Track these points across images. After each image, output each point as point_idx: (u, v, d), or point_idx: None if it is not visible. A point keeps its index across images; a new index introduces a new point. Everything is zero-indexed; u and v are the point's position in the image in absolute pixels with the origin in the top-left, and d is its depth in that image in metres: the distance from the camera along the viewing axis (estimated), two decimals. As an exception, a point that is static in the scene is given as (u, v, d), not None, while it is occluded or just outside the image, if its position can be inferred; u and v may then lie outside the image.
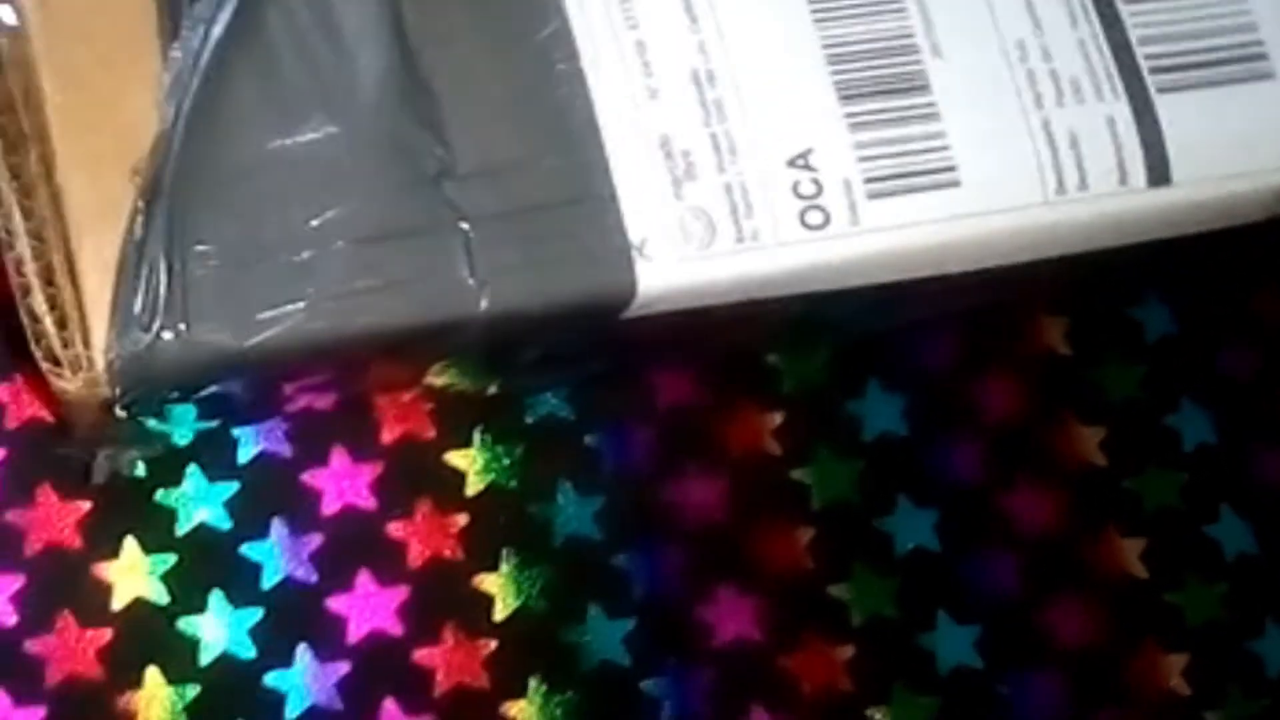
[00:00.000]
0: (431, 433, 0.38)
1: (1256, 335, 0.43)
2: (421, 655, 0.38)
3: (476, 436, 0.39)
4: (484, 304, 0.28)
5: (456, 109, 0.28)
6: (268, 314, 0.27)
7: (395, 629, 0.37)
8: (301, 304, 0.27)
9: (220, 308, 0.27)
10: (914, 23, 0.31)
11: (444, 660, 0.38)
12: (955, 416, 0.41)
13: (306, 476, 0.38)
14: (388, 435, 0.38)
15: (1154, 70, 0.32)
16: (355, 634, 0.37)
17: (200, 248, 0.27)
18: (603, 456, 0.39)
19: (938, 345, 0.41)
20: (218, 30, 0.27)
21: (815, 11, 0.30)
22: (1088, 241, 0.32)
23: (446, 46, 0.29)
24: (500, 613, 0.38)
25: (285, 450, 0.38)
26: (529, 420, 0.39)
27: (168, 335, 0.27)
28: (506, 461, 0.39)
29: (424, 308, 0.28)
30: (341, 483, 0.38)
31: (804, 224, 0.30)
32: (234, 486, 0.37)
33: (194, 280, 0.27)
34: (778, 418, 0.40)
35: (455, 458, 0.39)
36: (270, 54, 0.28)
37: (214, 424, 0.34)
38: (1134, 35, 0.32)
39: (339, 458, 0.38)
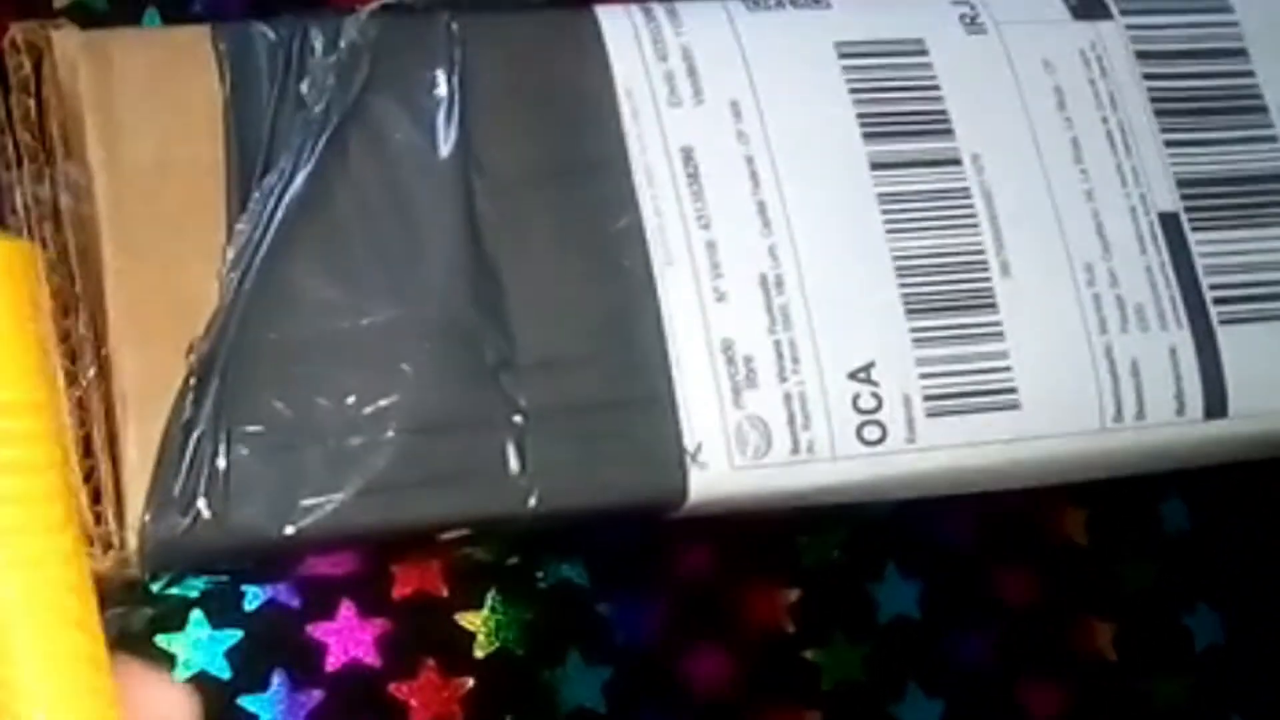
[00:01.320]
0: (444, 591, 0.37)
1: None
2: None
3: (489, 598, 0.38)
4: (532, 502, 0.27)
5: (521, 300, 0.28)
6: (310, 501, 0.26)
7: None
8: (345, 494, 0.26)
9: (262, 492, 0.26)
10: (985, 239, 0.30)
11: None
12: (971, 604, 0.41)
13: (311, 629, 0.37)
14: (399, 591, 0.37)
15: (1218, 301, 0.31)
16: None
17: (248, 429, 0.26)
18: (615, 626, 0.38)
19: (957, 530, 0.41)
20: (285, 204, 0.27)
21: (888, 220, 0.30)
22: (1139, 467, 0.31)
23: (516, 236, 0.28)
24: (498, 784, 0.37)
25: (293, 601, 0.36)
26: (542, 585, 0.38)
27: (205, 517, 0.25)
28: (517, 626, 0.38)
29: (471, 504, 0.27)
30: (347, 637, 0.37)
31: (861, 439, 0.29)
32: (237, 635, 0.36)
33: (238, 462, 0.26)
34: (794, 594, 0.40)
35: (466, 619, 0.37)
36: (337, 233, 0.27)
37: (223, 581, 0.33)
38: (1200, 265, 0.31)
39: (346, 611, 0.37)
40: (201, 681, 0.36)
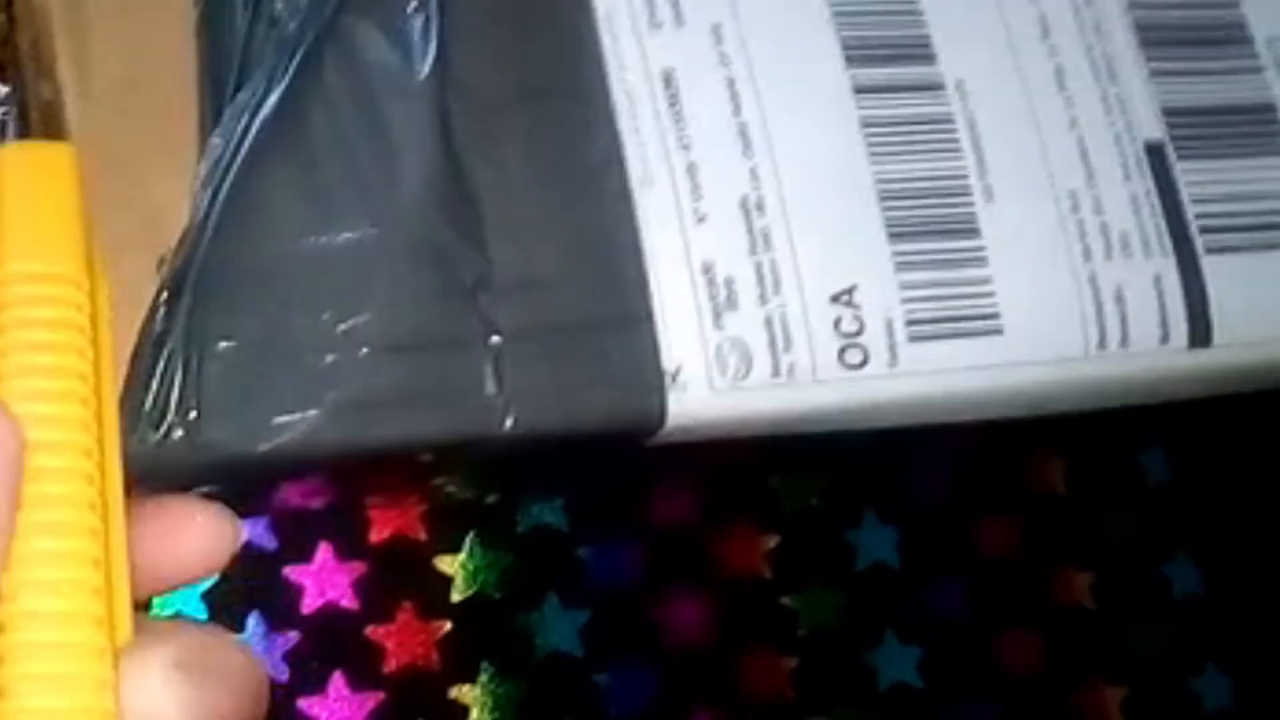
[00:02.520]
0: (422, 535, 0.37)
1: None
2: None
3: (467, 542, 0.37)
4: (508, 423, 0.27)
5: (499, 219, 0.27)
6: (283, 419, 0.26)
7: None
8: (319, 411, 0.26)
9: (235, 409, 0.25)
10: (969, 164, 0.30)
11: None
12: (949, 552, 0.41)
13: (288, 571, 0.36)
14: (376, 535, 0.37)
15: (1203, 230, 0.31)
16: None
17: (220, 345, 0.25)
18: (593, 570, 0.38)
19: (935, 481, 0.41)
20: (259, 121, 0.26)
21: (871, 145, 0.29)
22: (1124, 397, 0.31)
23: (494, 157, 0.27)
24: (474, 726, 0.36)
25: (270, 544, 0.36)
26: (521, 529, 0.38)
27: (178, 434, 0.25)
28: (495, 570, 0.37)
29: (447, 423, 0.26)
30: (324, 580, 0.36)
31: (843, 362, 0.28)
32: (213, 578, 0.36)
33: (210, 379, 0.25)
34: (772, 541, 0.39)
35: (444, 563, 0.37)
36: (311, 149, 0.26)
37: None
38: (1185, 194, 0.31)
39: (324, 553, 0.36)
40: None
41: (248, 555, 0.36)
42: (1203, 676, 0.41)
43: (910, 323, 0.29)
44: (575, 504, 0.38)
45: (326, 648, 0.36)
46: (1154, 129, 0.31)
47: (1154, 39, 0.32)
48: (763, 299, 0.28)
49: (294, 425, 0.25)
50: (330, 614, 0.36)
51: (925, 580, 0.40)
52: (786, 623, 0.39)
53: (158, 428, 0.25)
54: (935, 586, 0.40)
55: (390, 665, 0.36)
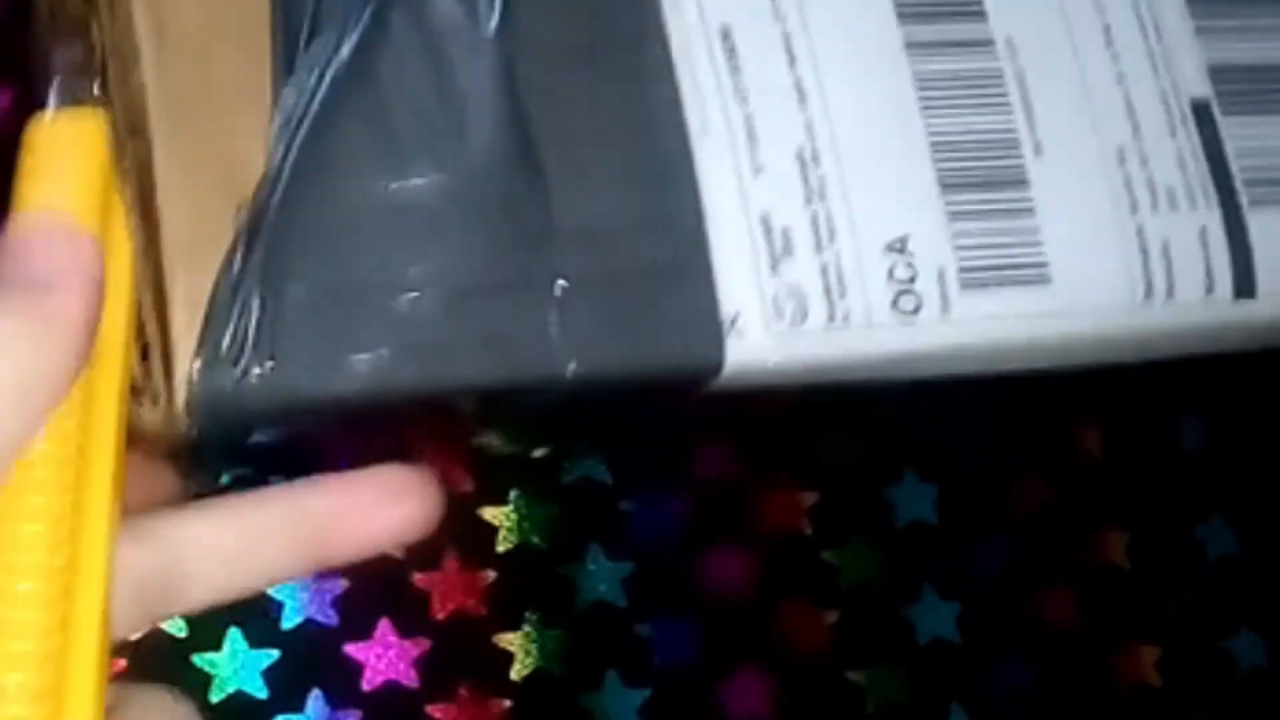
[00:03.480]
0: (467, 487, 0.39)
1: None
2: (434, 710, 0.38)
3: (511, 494, 0.39)
4: (571, 366, 0.28)
5: (562, 169, 0.29)
6: (357, 360, 0.27)
7: (411, 681, 0.38)
8: (389, 352, 0.27)
9: (310, 349, 0.27)
10: (1018, 120, 0.31)
11: (456, 718, 0.38)
12: (988, 510, 0.42)
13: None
14: (422, 484, 0.38)
15: (1248, 184, 0.32)
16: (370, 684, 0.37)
17: (295, 289, 0.27)
18: (636, 523, 0.40)
19: (974, 440, 0.42)
20: (331, 74, 0.27)
21: (923, 100, 0.31)
22: (1170, 349, 0.33)
23: (558, 106, 0.29)
24: (518, 672, 0.38)
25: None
26: (565, 480, 0.39)
27: (254, 373, 0.27)
28: (539, 520, 0.39)
29: (512, 366, 0.28)
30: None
31: (896, 308, 0.30)
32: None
33: (286, 320, 0.27)
34: (812, 497, 0.41)
35: (488, 513, 0.39)
36: (381, 101, 0.28)
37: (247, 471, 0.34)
38: (1230, 149, 0.32)
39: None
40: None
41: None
42: (1237, 638, 0.42)
43: (962, 271, 0.30)
44: (619, 459, 0.39)
45: (374, 594, 0.38)
46: (1200, 86, 0.33)
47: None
48: (818, 247, 0.30)
49: (367, 366, 0.27)
50: (378, 562, 0.38)
51: (964, 538, 0.42)
52: (827, 577, 0.41)
53: (233, 368, 0.26)
54: (973, 544, 0.42)
55: (437, 612, 0.38)
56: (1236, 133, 0.33)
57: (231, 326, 0.26)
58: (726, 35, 0.30)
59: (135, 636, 0.26)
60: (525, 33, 0.29)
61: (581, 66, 0.29)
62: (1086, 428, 0.43)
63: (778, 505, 0.41)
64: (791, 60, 0.30)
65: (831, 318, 0.29)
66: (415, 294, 0.27)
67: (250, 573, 0.27)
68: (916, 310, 0.30)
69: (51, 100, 0.26)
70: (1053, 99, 0.32)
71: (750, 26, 0.30)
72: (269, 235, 0.27)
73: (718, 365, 0.29)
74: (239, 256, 0.27)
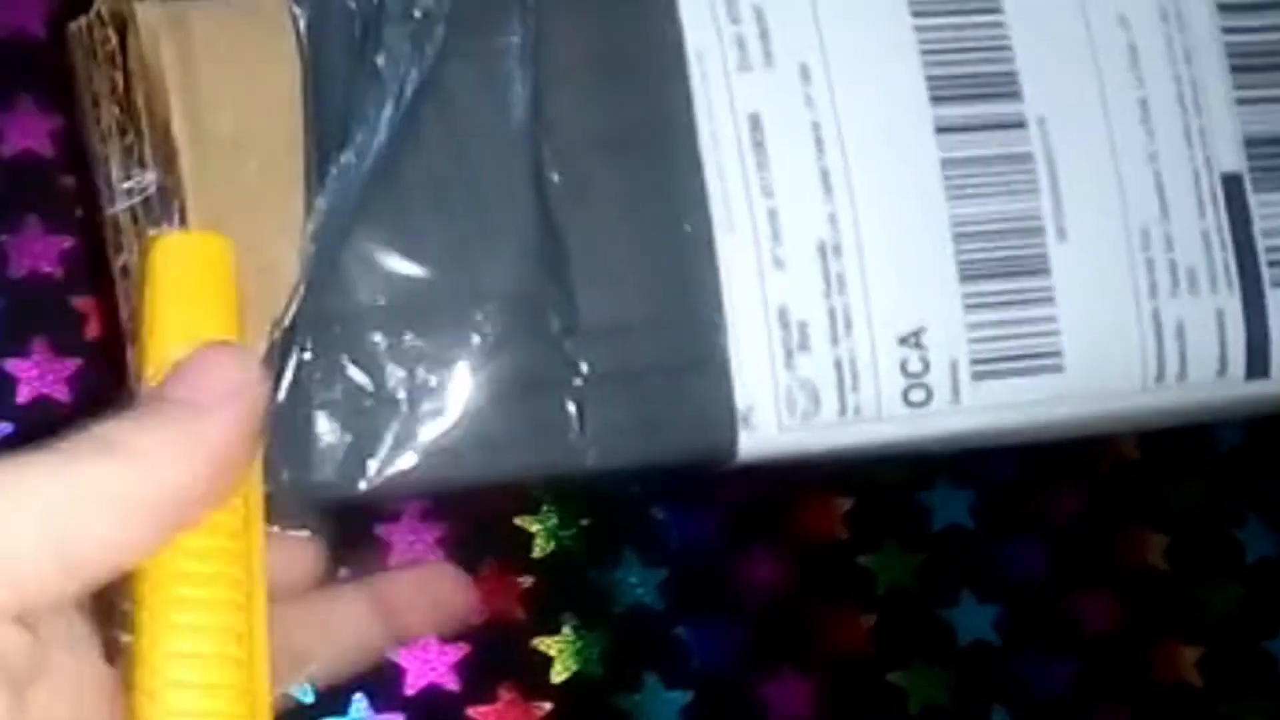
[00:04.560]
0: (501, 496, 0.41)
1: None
2: (475, 713, 0.41)
3: (545, 503, 0.41)
4: (590, 461, 0.31)
5: (586, 265, 0.31)
6: (382, 462, 0.30)
7: (452, 685, 0.41)
8: (415, 455, 0.30)
9: (338, 455, 0.30)
10: (1045, 204, 0.33)
11: (498, 718, 0.41)
12: (1023, 514, 0.44)
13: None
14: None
15: (1271, 263, 0.34)
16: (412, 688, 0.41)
17: (326, 397, 0.29)
18: (671, 529, 0.42)
19: (1009, 449, 0.44)
20: (361, 178, 0.30)
21: (950, 186, 0.32)
22: (1177, 421, 0.34)
23: (583, 201, 0.31)
24: (558, 676, 0.41)
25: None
26: (599, 490, 0.42)
27: (286, 479, 0.29)
28: (574, 527, 0.42)
29: (532, 462, 0.30)
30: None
31: (906, 401, 0.32)
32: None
33: (316, 428, 0.29)
34: (847, 503, 0.43)
35: (524, 521, 0.41)
36: (410, 204, 0.30)
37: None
38: (1258, 226, 0.34)
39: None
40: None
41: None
42: (1276, 638, 0.44)
43: (975, 362, 0.32)
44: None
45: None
46: (1233, 160, 0.34)
47: (1244, 65, 0.34)
48: (834, 341, 0.32)
49: (391, 467, 0.30)
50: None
51: (1001, 541, 0.44)
52: (864, 582, 0.43)
53: (271, 476, 0.29)
54: (1011, 547, 0.44)
55: (476, 617, 0.41)
56: (1266, 210, 0.34)
57: (265, 433, 0.29)
58: (755, 123, 0.32)
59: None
60: (553, 124, 0.31)
61: (609, 157, 0.31)
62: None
63: (813, 511, 0.43)
64: (820, 149, 0.32)
65: (843, 411, 0.32)
66: (439, 399, 0.30)
67: (348, 651, 0.32)
68: (926, 401, 0.32)
69: (174, 222, 0.28)
70: (1081, 181, 0.33)
71: (779, 113, 0.32)
72: (300, 347, 0.29)
73: (730, 455, 0.31)
74: (272, 366, 0.29)
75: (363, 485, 0.30)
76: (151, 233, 0.28)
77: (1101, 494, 0.45)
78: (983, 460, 0.44)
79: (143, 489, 0.25)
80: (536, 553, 0.41)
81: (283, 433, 0.29)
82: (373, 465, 0.30)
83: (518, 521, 0.42)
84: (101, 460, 0.24)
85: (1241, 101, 0.34)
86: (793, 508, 0.43)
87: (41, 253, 0.41)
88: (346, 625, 0.32)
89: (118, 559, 0.25)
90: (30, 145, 0.41)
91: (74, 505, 0.24)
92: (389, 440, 0.30)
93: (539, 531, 0.41)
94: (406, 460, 0.30)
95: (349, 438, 0.30)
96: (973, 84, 0.33)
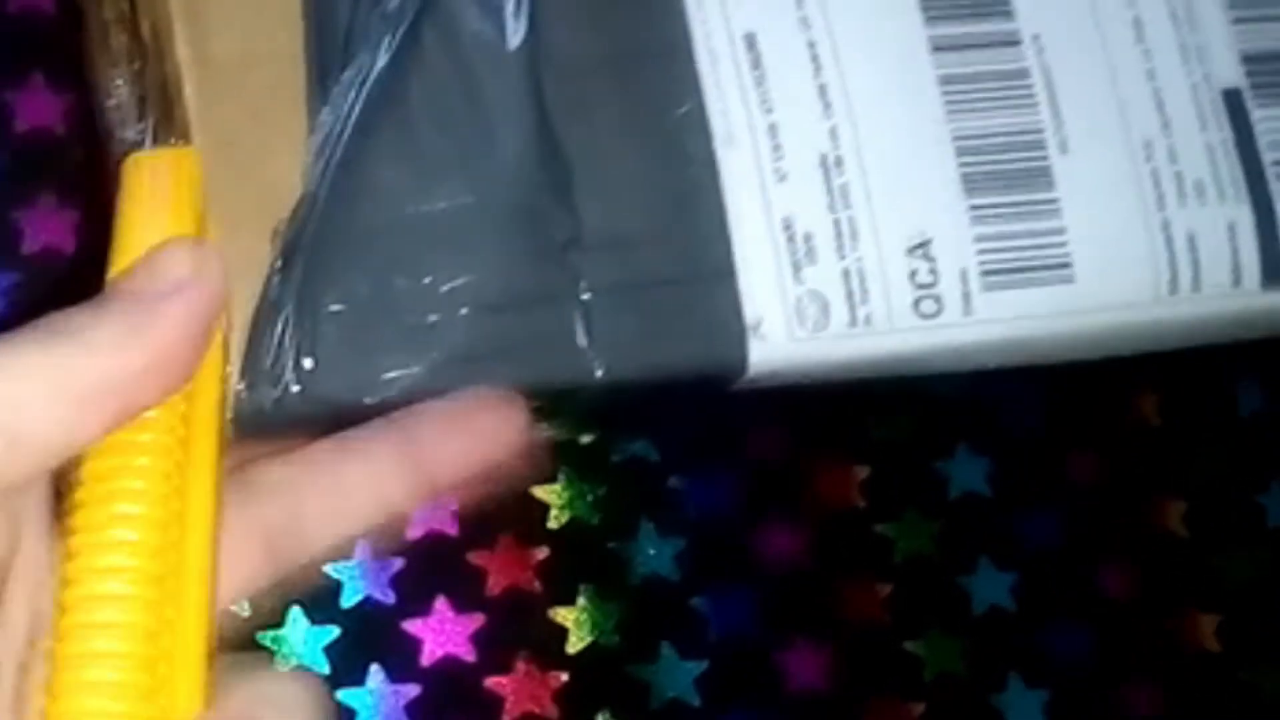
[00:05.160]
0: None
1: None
2: (492, 683, 0.40)
3: (561, 474, 0.41)
4: (598, 372, 0.30)
5: (588, 180, 0.31)
6: (390, 374, 0.30)
7: (469, 655, 0.40)
8: (422, 366, 0.30)
9: (345, 365, 0.29)
10: (1045, 118, 0.33)
11: (514, 690, 0.40)
12: (1040, 483, 0.44)
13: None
14: (476, 466, 0.41)
15: (1279, 176, 0.34)
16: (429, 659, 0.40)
17: (331, 308, 0.29)
18: (687, 499, 0.42)
19: (1027, 413, 0.44)
20: (364, 96, 0.30)
21: (948, 101, 0.32)
22: (1196, 339, 0.34)
23: (583, 121, 0.31)
24: (574, 646, 0.41)
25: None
26: (614, 459, 0.42)
27: (294, 389, 0.29)
28: (590, 498, 0.41)
29: (540, 375, 0.30)
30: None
31: (918, 312, 0.32)
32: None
33: (323, 339, 0.29)
34: (865, 471, 0.43)
35: (540, 492, 0.41)
36: (412, 121, 0.30)
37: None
38: (1262, 140, 0.34)
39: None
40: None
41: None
42: (1298, 604, 0.44)
43: (984, 273, 0.32)
44: (668, 439, 0.42)
45: (431, 572, 0.41)
46: (1232, 76, 0.34)
47: (1237, -16, 0.34)
48: (841, 253, 0.32)
49: (399, 379, 0.30)
50: (433, 541, 0.41)
51: (1019, 509, 0.44)
52: (881, 550, 0.43)
53: (275, 384, 0.29)
54: (1028, 515, 0.44)
55: (492, 589, 0.41)
56: (1269, 124, 0.34)
57: (273, 347, 0.29)
58: (751, 43, 0.32)
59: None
60: (551, 46, 0.31)
61: (607, 78, 0.31)
62: (1142, 394, 0.44)
63: (830, 480, 0.43)
64: (817, 66, 0.32)
65: (853, 322, 0.31)
66: (445, 310, 0.30)
67: (367, 510, 0.29)
68: (937, 313, 0.32)
69: (147, 140, 0.28)
70: (1080, 95, 0.33)
71: (775, 33, 0.32)
72: (305, 258, 0.29)
73: (741, 368, 0.31)
74: (278, 279, 0.29)
75: (370, 398, 0.29)
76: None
77: (1120, 461, 0.45)
78: (1001, 427, 0.44)
79: (89, 373, 0.25)
80: (552, 524, 0.41)
81: (289, 345, 0.29)
82: (379, 378, 0.30)
83: (534, 492, 0.41)
84: (51, 344, 0.25)
85: (1237, 20, 0.34)
86: (810, 477, 0.43)
87: (55, 229, 0.41)
88: (364, 485, 0.29)
89: (65, 441, 0.25)
90: (43, 122, 0.42)
91: (22, 385, 0.24)
92: (394, 352, 0.30)
93: (555, 502, 0.41)
94: (412, 373, 0.30)
95: (355, 350, 0.29)
96: (965, 3, 0.33)
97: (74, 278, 0.40)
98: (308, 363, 0.29)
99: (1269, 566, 0.44)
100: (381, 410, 0.30)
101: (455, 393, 0.29)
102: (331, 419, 0.30)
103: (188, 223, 0.27)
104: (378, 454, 0.29)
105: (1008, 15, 0.33)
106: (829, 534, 0.43)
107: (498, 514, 0.41)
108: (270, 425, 0.29)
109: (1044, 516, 0.44)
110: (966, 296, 0.32)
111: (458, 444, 0.30)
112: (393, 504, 0.30)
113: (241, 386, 0.29)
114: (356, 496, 0.29)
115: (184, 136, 0.29)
